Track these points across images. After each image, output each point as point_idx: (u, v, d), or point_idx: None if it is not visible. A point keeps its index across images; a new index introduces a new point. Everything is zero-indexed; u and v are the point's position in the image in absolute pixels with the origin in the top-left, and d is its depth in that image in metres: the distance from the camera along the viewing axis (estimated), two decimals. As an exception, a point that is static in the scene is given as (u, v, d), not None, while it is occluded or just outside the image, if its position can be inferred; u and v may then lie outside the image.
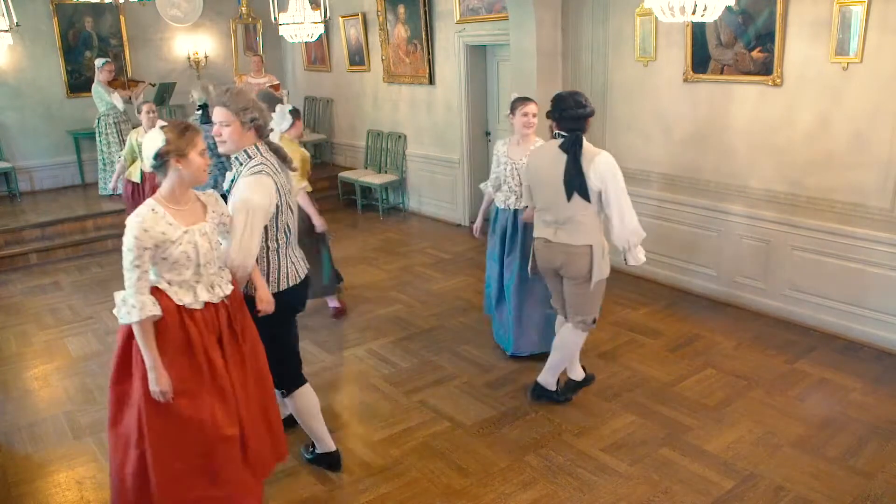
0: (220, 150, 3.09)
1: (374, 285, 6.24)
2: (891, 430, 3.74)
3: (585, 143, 3.62)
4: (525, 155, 4.38)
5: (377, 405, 4.18)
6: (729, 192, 5.38)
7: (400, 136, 8.75)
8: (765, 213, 5.19)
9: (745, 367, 4.48)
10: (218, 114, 3.02)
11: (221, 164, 4.65)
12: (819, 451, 3.57)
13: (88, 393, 4.46)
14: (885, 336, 4.65)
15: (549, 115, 3.70)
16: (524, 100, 4.40)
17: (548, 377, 4.08)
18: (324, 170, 9.96)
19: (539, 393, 4.11)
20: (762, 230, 5.21)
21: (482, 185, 4.77)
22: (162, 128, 2.70)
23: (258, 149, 3.09)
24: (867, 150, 4.58)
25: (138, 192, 6.38)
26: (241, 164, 3.09)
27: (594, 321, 3.91)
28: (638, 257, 3.75)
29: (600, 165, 3.57)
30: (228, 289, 2.87)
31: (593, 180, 3.57)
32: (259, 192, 2.96)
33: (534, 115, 4.36)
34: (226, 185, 3.20)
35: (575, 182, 3.57)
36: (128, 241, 2.61)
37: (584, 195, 3.59)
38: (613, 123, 6.18)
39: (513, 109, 4.40)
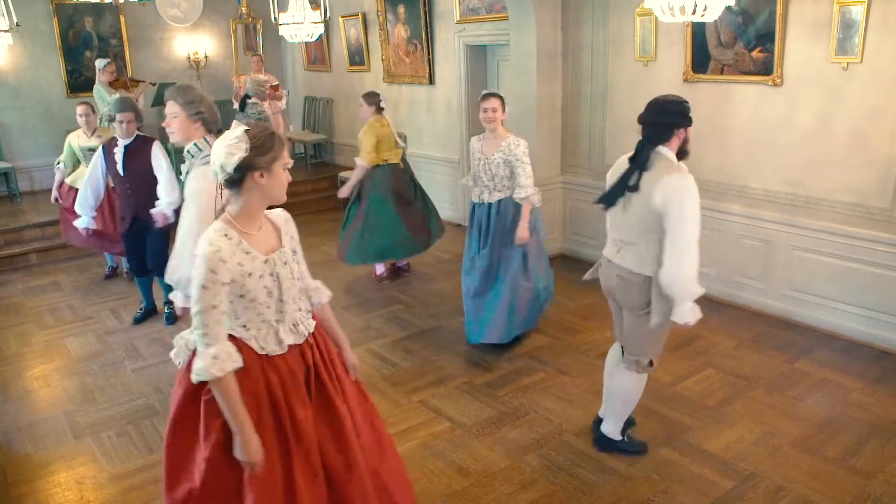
0: (172, 139, 3.32)
1: (374, 285, 6.24)
2: (891, 430, 3.74)
3: (661, 156, 3.09)
4: (497, 149, 4.53)
5: (377, 405, 4.13)
6: (729, 192, 5.38)
7: (400, 136, 8.73)
8: (765, 213, 5.19)
9: (745, 367, 4.47)
10: (168, 107, 3.26)
11: None
12: (819, 451, 3.57)
13: (88, 393, 4.46)
14: (885, 336, 4.65)
15: (639, 120, 3.23)
16: (485, 95, 4.50)
17: (610, 426, 3.56)
18: (324, 169, 9.97)
19: (604, 444, 3.59)
20: (762, 230, 5.21)
21: (463, 181, 5.00)
22: (246, 132, 2.20)
23: (207, 142, 3.29)
24: (867, 150, 4.58)
25: None
26: (192, 157, 3.28)
27: (651, 363, 3.34)
28: (685, 315, 3.02)
29: (666, 187, 2.98)
30: (311, 324, 2.46)
31: (657, 201, 2.99)
32: (208, 182, 2.89)
33: (493, 110, 4.45)
34: (182, 177, 3.38)
35: (616, 190, 3.13)
36: (200, 275, 2.12)
37: (608, 202, 3.17)
38: (614, 124, 6.17)
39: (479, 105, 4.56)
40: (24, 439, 3.94)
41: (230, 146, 2.18)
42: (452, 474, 3.49)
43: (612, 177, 3.27)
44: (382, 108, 5.92)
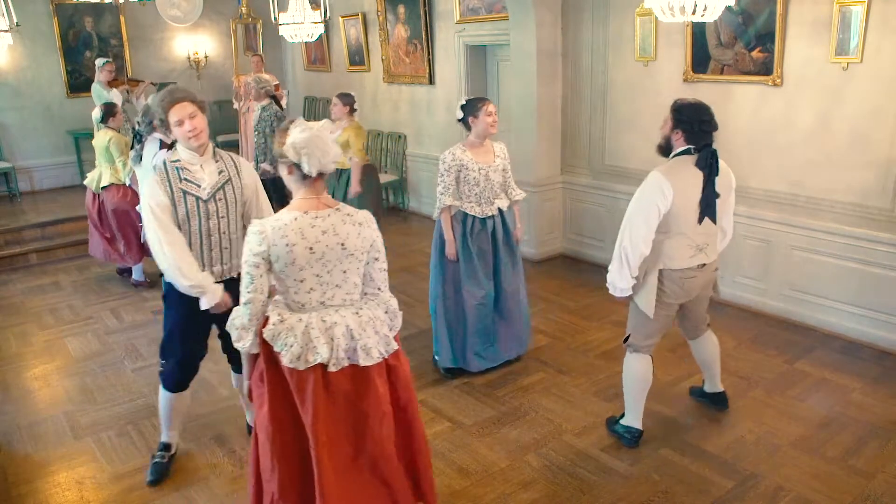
0: (197, 142, 3.11)
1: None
2: (891, 430, 3.74)
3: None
4: (495, 156, 4.29)
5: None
6: (729, 192, 5.37)
7: (400, 136, 8.75)
8: (765, 213, 5.18)
9: (745, 367, 4.47)
10: (186, 107, 3.06)
11: None
12: (819, 451, 3.57)
13: (88, 393, 4.46)
14: (885, 336, 4.65)
15: (677, 126, 3.31)
16: (484, 99, 4.25)
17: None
18: (324, 170, 9.95)
19: (726, 399, 3.98)
20: (762, 230, 5.21)
21: (442, 203, 4.27)
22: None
23: None
24: (867, 150, 4.58)
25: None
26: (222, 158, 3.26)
27: None
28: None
29: (732, 177, 3.48)
30: None
31: (732, 190, 3.48)
32: None
33: (496, 114, 4.23)
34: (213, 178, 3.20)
35: (711, 203, 3.32)
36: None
37: (713, 216, 3.35)
38: (614, 123, 6.18)
39: (473, 112, 4.16)
40: (24, 439, 3.94)
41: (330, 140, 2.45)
42: (452, 474, 3.49)
43: (684, 195, 3.28)
44: (355, 110, 5.91)
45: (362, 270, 2.56)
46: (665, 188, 3.24)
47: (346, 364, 2.47)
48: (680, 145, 3.34)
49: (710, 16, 3.48)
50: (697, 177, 3.29)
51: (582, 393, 4.24)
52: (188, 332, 3.35)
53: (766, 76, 4.97)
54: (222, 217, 3.21)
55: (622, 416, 3.77)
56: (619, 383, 4.29)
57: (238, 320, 2.50)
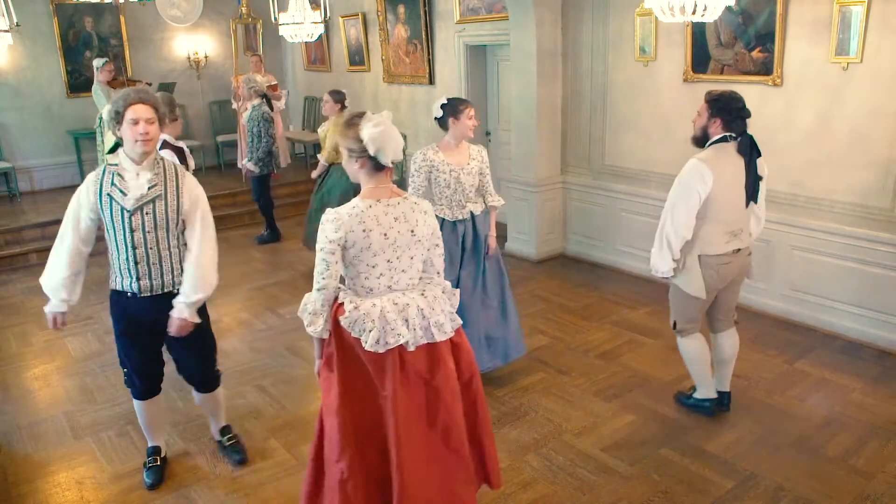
0: (143, 149, 3.00)
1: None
2: (891, 430, 3.74)
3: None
4: (470, 158, 4.13)
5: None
6: (729, 192, 5.37)
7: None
8: (765, 213, 5.17)
9: (745, 367, 4.47)
10: (144, 110, 2.98)
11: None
12: (819, 451, 3.57)
13: (88, 393, 4.46)
14: (885, 336, 4.65)
15: (716, 114, 3.45)
16: (466, 102, 4.12)
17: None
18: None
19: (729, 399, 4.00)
20: (762, 230, 5.20)
21: None
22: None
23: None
24: (867, 150, 4.58)
25: None
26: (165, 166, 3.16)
27: None
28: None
29: (765, 165, 3.58)
30: None
31: (765, 176, 3.59)
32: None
33: (476, 118, 4.13)
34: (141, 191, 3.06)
35: (756, 187, 3.49)
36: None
37: (756, 198, 3.54)
38: (614, 123, 6.18)
39: (455, 113, 4.02)
40: (24, 439, 3.94)
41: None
42: (452, 474, 3.48)
43: (724, 182, 3.42)
44: (346, 108, 5.99)
45: (424, 256, 2.68)
46: (705, 174, 3.39)
47: (423, 342, 2.58)
48: (717, 133, 3.47)
49: (710, 16, 3.49)
50: (736, 163, 3.43)
51: (582, 393, 4.24)
52: (129, 342, 3.28)
53: (766, 76, 4.97)
54: (149, 232, 3.07)
55: (692, 390, 3.97)
56: (619, 383, 4.31)
57: (311, 306, 2.57)
